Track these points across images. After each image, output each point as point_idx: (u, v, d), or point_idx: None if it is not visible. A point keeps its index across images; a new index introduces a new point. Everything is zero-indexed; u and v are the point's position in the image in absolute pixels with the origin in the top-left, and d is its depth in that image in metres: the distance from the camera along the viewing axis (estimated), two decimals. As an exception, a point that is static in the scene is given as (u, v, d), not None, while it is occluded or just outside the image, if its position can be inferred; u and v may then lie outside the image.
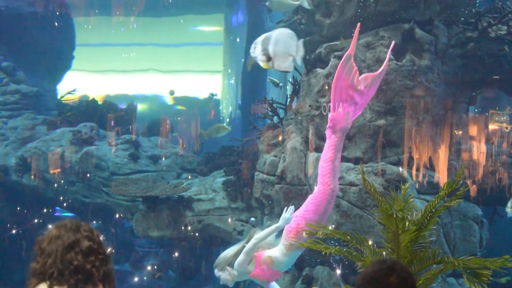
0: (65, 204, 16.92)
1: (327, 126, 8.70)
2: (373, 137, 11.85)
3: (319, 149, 12.29)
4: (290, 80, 14.33)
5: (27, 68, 19.68)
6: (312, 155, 12.24)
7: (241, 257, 8.59)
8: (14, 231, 17.21)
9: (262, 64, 8.57)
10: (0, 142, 17.56)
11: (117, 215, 15.89)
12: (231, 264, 8.72)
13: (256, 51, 8.45)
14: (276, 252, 8.83)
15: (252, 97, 19.18)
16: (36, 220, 17.45)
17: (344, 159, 12.00)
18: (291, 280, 12.73)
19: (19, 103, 18.63)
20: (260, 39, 8.51)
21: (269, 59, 8.45)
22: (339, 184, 11.31)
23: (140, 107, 24.46)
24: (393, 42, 8.86)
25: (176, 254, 16.50)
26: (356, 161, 11.94)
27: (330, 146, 8.71)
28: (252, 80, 21.66)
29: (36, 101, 19.03)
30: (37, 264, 4.08)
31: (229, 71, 27.84)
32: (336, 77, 8.58)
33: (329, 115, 8.79)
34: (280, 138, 13.44)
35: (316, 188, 8.95)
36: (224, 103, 28.16)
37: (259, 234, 8.68)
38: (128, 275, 16.95)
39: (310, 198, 8.98)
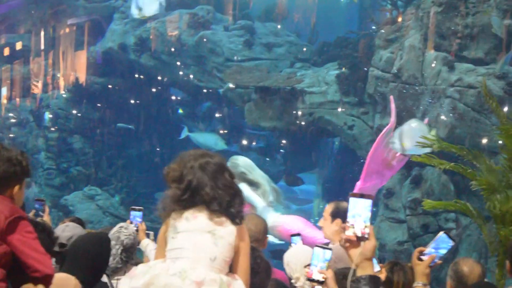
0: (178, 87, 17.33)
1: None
2: (497, 38, 11.25)
3: (438, 48, 11.85)
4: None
5: None
6: (431, 54, 11.80)
7: None
8: (130, 108, 17.87)
9: None
10: (120, 20, 17.83)
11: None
12: None
13: None
14: None
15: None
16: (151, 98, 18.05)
17: (464, 59, 11.54)
18: (400, 179, 12.66)
19: (140, -19, 18.71)
20: None
21: None
22: (458, 86, 11.00)
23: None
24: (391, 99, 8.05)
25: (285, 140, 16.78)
26: (477, 62, 11.44)
27: None
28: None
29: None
30: (178, 190, 3.94)
31: None
32: (374, 148, 8.52)
33: (358, 184, 8.82)
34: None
35: None
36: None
37: None
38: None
39: None
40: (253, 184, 9.00)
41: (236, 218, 3.94)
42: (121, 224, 5.23)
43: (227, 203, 3.90)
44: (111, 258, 4.78)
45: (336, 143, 17.84)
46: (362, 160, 15.37)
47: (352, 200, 3.26)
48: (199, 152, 4.09)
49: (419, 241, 11.51)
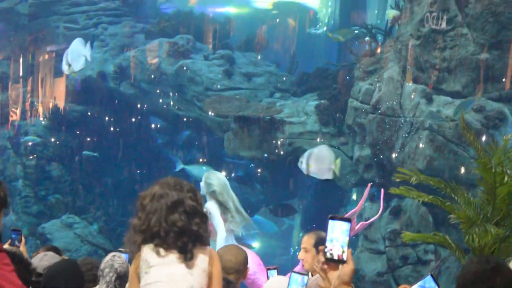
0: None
1: None
2: (475, 71, 11.40)
3: (417, 81, 11.99)
4: (392, 5, 13.83)
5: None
6: (409, 86, 11.94)
7: None
8: (109, 136, 17.79)
9: None
10: (99, 48, 17.85)
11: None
12: None
13: None
14: None
15: (350, 11, 18.66)
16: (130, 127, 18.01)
17: (442, 92, 11.68)
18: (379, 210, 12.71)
19: (120, 10, 18.77)
20: None
21: None
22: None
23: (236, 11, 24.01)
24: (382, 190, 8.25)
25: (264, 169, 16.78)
26: (455, 95, 11.58)
27: None
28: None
29: (136, 8, 19.13)
30: (139, 220, 4.00)
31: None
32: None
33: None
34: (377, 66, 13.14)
35: None
36: (323, 10, 27.06)
37: None
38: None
39: None
40: (222, 205, 8.88)
41: (204, 243, 4.01)
42: (113, 253, 5.25)
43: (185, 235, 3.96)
44: (104, 286, 4.86)
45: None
46: (341, 191, 15.48)
47: (330, 223, 3.27)
48: (169, 181, 4.12)
49: (398, 272, 11.57)
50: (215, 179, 8.88)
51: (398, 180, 8.14)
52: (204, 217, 4.09)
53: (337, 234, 3.23)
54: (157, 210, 3.98)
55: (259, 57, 17.30)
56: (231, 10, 23.82)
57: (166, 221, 3.95)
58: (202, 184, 8.75)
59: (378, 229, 12.45)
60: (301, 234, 18.73)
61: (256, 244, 18.65)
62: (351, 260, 3.22)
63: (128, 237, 4.05)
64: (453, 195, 7.78)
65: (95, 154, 17.23)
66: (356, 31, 14.84)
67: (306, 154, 11.11)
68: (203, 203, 4.21)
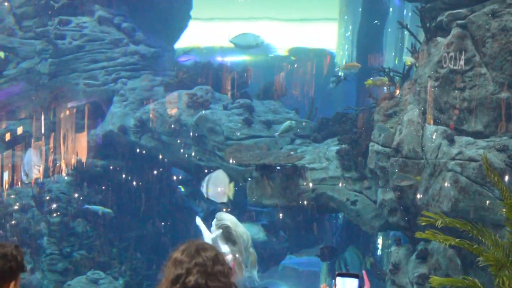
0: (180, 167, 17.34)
1: None
2: (496, 110, 11.32)
3: (437, 122, 11.93)
4: (409, 48, 13.86)
5: (145, 28, 19.93)
6: (430, 128, 11.88)
7: None
8: (132, 190, 17.82)
9: None
10: (120, 103, 18.03)
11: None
12: None
13: None
14: None
15: (367, 54, 18.75)
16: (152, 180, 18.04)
17: (464, 133, 11.60)
18: (406, 254, 12.57)
19: (138, 64, 18.95)
20: None
21: None
22: (459, 160, 10.98)
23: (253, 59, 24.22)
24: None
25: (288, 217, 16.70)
26: (477, 135, 11.49)
27: None
28: (369, 35, 20.92)
29: (154, 62, 19.32)
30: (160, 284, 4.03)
31: (345, 17, 26.84)
32: None
33: None
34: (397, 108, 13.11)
35: None
36: (340, 54, 27.35)
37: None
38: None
39: None
40: (234, 241, 8.92)
41: None
42: None
43: None
44: None
45: (340, 217, 17.78)
46: (366, 236, 15.34)
47: (339, 280, 3.25)
48: (192, 249, 4.06)
49: (428, 317, 11.33)
50: (227, 216, 9.04)
51: (423, 223, 8.03)
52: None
53: None
54: (166, 280, 3.98)
55: (277, 104, 17.36)
56: (248, 58, 24.11)
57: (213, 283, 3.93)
58: (213, 222, 8.91)
59: (405, 274, 12.27)
60: (327, 280, 18.56)
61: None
62: None
63: None
64: (480, 237, 7.66)
65: (99, 208, 17.14)
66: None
67: (206, 178, 11.94)
68: (221, 271, 4.07)
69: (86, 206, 17.11)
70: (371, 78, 14.34)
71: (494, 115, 11.33)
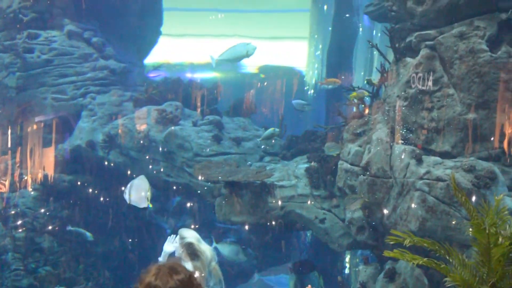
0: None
1: None
2: (463, 131, 11.46)
3: (406, 141, 12.03)
4: (378, 67, 14.00)
5: (115, 43, 19.85)
6: (398, 147, 11.97)
7: None
8: (99, 205, 17.65)
9: None
10: (88, 118, 17.86)
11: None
12: None
13: None
14: None
15: (337, 73, 18.86)
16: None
17: (432, 152, 11.71)
18: (374, 273, 12.59)
19: (107, 79, 18.81)
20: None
21: None
22: (426, 179, 11.08)
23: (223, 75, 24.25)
24: None
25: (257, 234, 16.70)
26: (444, 155, 11.61)
27: None
28: (339, 54, 21.05)
29: (124, 77, 19.20)
30: None
31: (316, 36, 26.97)
32: None
33: None
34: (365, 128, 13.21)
35: None
36: (309, 72, 27.44)
37: None
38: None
39: None
40: (197, 256, 9.01)
41: None
42: None
43: None
44: None
45: (308, 235, 17.80)
46: (334, 254, 15.35)
47: None
48: (165, 272, 4.07)
49: (395, 337, 11.36)
50: (190, 233, 9.12)
51: (392, 242, 8.06)
52: None
53: None
54: None
55: (247, 121, 17.39)
56: (217, 75, 24.12)
57: None
58: (176, 239, 9.23)
59: (373, 293, 12.30)
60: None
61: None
62: None
63: None
64: (447, 257, 7.71)
65: (83, 231, 16.96)
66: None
67: (128, 185, 12.44)
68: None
69: (70, 228, 16.90)
70: (356, 90, 14.41)
71: (462, 136, 11.46)
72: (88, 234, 16.84)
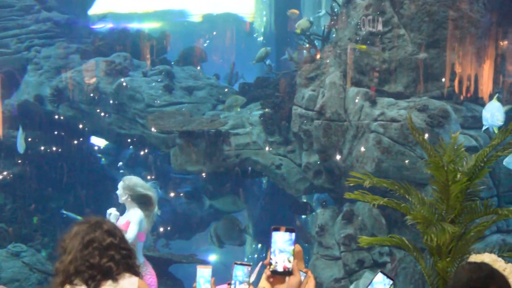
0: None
1: None
2: (415, 71, 11.55)
3: (359, 84, 12.05)
4: (327, 10, 13.91)
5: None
6: (351, 90, 11.99)
7: None
8: (51, 160, 17.35)
9: None
10: (34, 72, 17.41)
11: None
12: None
13: None
14: None
15: (286, 18, 18.64)
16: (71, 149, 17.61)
17: (385, 94, 11.77)
18: (332, 216, 12.73)
19: (52, 31, 18.31)
20: None
21: None
22: (381, 121, 11.17)
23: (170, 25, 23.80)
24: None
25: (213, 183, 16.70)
26: (397, 95, 11.69)
27: None
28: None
29: (68, 29, 18.72)
30: (60, 263, 4.12)
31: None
32: None
33: None
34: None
35: None
36: (258, 19, 27.07)
37: None
38: (164, 202, 17.07)
39: None
40: (145, 199, 8.96)
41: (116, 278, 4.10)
42: None
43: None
44: None
45: (264, 182, 17.85)
46: (291, 199, 15.44)
47: (273, 234, 3.20)
48: (89, 220, 4.32)
49: (356, 276, 11.55)
50: (134, 179, 8.99)
51: (351, 184, 8.11)
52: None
53: (281, 245, 3.18)
54: (72, 249, 4.10)
55: (198, 69, 17.20)
56: (164, 24, 23.71)
57: (80, 258, 4.06)
58: (119, 185, 9.03)
59: (332, 235, 12.44)
60: (253, 246, 18.66)
61: (213, 257, 18.55)
62: (297, 271, 3.18)
63: (53, 280, 4.12)
64: (407, 196, 7.81)
65: (76, 217, 16.64)
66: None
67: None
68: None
69: (64, 212, 16.57)
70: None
71: (414, 76, 11.56)
72: (79, 218, 16.54)
